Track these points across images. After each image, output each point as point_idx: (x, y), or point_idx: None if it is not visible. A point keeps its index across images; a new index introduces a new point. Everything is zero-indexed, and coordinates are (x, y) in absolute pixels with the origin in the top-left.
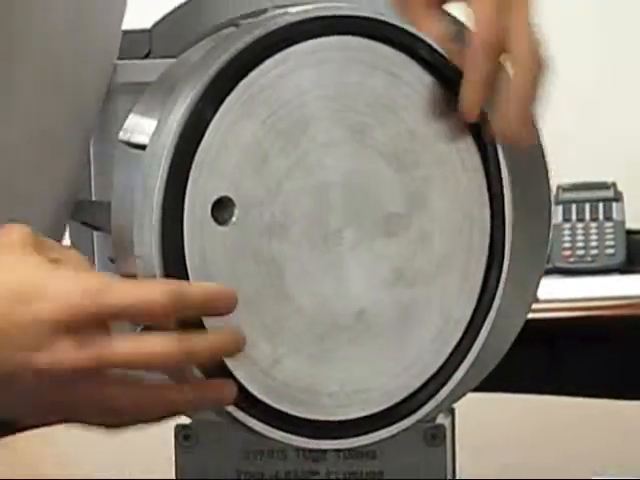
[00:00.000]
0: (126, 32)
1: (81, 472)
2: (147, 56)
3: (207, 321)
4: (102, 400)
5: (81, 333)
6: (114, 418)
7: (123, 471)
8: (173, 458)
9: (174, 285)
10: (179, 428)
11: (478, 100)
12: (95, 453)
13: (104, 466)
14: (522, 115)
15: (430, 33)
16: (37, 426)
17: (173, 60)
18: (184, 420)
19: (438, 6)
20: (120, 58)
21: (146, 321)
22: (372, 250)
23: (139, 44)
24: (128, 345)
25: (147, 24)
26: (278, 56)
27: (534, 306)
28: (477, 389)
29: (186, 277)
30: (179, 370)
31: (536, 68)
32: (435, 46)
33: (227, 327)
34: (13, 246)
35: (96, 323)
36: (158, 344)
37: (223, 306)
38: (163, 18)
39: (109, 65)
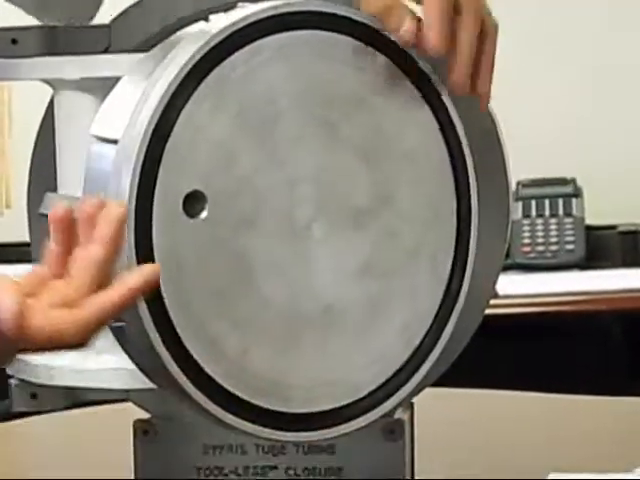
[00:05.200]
0: (85, 27)
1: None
2: (106, 50)
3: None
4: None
5: None
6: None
7: (81, 467)
8: (132, 453)
9: None
10: (138, 423)
11: (441, 34)
12: (52, 448)
13: (61, 463)
14: (468, 62)
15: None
16: None
17: (139, 55)
18: (143, 415)
19: None
20: (80, 53)
21: None
22: (341, 243)
23: (98, 39)
24: None
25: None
26: (247, 50)
27: (494, 301)
28: (435, 384)
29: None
30: None
31: (480, 12)
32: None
33: None
34: None
35: None
36: None
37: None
38: (122, 12)
39: None
